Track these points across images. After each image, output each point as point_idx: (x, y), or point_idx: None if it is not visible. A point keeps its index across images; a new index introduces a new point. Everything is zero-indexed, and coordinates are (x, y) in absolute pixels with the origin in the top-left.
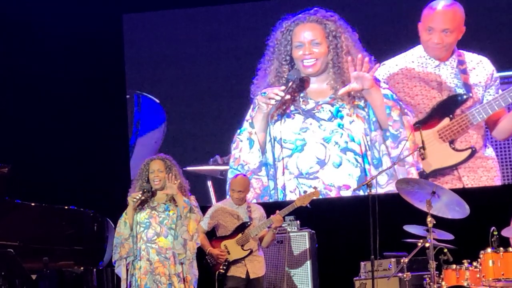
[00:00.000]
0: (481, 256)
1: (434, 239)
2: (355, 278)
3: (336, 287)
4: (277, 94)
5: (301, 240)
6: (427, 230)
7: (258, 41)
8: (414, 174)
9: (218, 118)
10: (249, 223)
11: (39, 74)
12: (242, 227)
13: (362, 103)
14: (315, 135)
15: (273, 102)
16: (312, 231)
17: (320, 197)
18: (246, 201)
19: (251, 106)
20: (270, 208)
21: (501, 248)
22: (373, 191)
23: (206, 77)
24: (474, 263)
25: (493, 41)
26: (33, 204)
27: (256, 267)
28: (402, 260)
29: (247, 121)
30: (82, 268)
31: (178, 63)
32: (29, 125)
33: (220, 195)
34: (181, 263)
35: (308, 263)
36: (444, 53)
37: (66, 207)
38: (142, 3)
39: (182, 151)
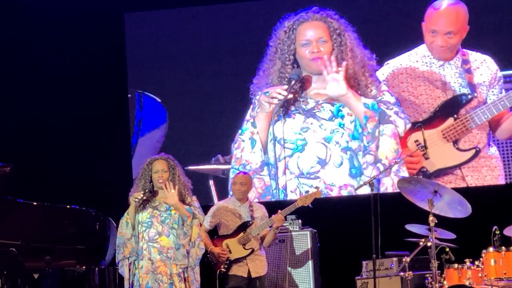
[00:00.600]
0: (483, 255)
1: (436, 238)
2: (357, 277)
3: (338, 286)
4: (280, 94)
5: (302, 240)
6: (429, 229)
7: (260, 40)
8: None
9: (220, 117)
10: (251, 222)
11: (41, 73)
12: (243, 226)
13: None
14: (316, 135)
15: (275, 101)
16: (314, 230)
17: (322, 196)
18: (248, 200)
19: (251, 106)
20: (272, 207)
21: (503, 247)
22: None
23: (208, 76)
24: (476, 262)
25: (496, 40)
26: (35, 203)
27: (258, 266)
28: (404, 259)
29: (247, 121)
30: (84, 267)
31: (180, 62)
32: (31, 124)
33: (222, 194)
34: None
35: (310, 262)
36: (448, 54)
37: (68, 206)
38: (143, 2)
39: (183, 150)
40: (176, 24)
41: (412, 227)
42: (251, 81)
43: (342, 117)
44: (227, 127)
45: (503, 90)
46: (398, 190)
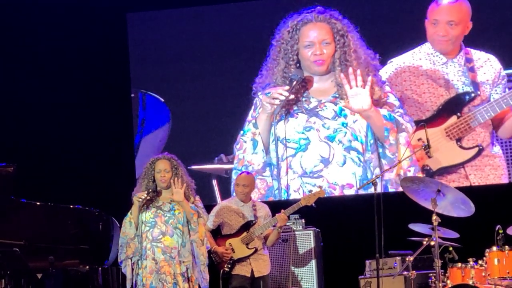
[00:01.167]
0: (486, 254)
1: (439, 237)
2: (360, 277)
3: (341, 286)
4: (281, 94)
5: (306, 239)
6: (432, 229)
7: (263, 39)
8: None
9: (223, 117)
10: (254, 222)
11: (44, 73)
12: (247, 226)
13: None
14: (319, 134)
15: (277, 102)
16: (317, 229)
17: (325, 196)
18: (251, 200)
19: (252, 107)
20: (275, 207)
21: (507, 247)
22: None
23: (211, 76)
24: (480, 262)
25: (500, 39)
26: (38, 203)
27: (261, 266)
28: (407, 259)
29: (249, 121)
30: (87, 267)
31: (183, 62)
32: (34, 124)
33: (225, 194)
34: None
35: (313, 261)
36: (450, 46)
37: (71, 206)
38: (146, 2)
39: (187, 150)
40: (179, 24)
41: (415, 227)
42: (254, 81)
43: (345, 116)
44: (230, 127)
45: (507, 89)
46: (401, 189)
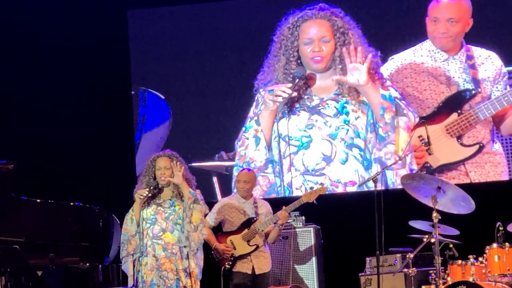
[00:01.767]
0: (486, 251)
1: (439, 234)
2: (360, 274)
3: (342, 283)
4: (284, 92)
5: (306, 236)
6: (433, 226)
7: (264, 36)
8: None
9: (224, 114)
10: (255, 219)
11: (44, 71)
12: (248, 223)
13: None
14: (321, 132)
15: (280, 99)
16: (318, 226)
17: (327, 193)
18: (252, 197)
19: (254, 103)
20: (277, 204)
21: (507, 244)
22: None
23: (212, 73)
24: (480, 259)
25: (501, 36)
26: (38, 200)
27: (262, 263)
28: (407, 256)
29: (251, 118)
30: (87, 264)
31: (183, 59)
32: (34, 121)
33: (226, 191)
34: (187, 258)
35: (314, 258)
36: (451, 44)
37: (71, 204)
38: None
39: (187, 147)
40: (179, 21)
41: (415, 224)
42: (256, 77)
43: (347, 113)
44: (231, 124)
45: (508, 86)
46: (401, 186)
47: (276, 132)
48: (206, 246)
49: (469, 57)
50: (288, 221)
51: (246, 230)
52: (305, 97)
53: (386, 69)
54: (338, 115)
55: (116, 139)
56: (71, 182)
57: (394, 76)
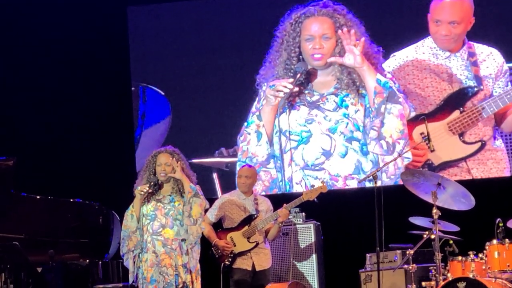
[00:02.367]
0: (486, 247)
1: (439, 230)
2: (360, 270)
3: (342, 279)
4: (285, 87)
5: (306, 232)
6: (433, 222)
7: (265, 32)
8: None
9: (223, 110)
10: (255, 216)
11: (44, 67)
12: (248, 220)
13: (365, 92)
14: (320, 126)
15: (281, 94)
16: (318, 223)
17: (327, 189)
18: (253, 193)
19: (257, 98)
20: (277, 200)
21: (507, 240)
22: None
23: (211, 69)
24: (480, 255)
25: (503, 33)
26: (38, 197)
27: (262, 260)
28: (407, 252)
29: (253, 113)
30: (87, 260)
31: (183, 55)
32: (34, 118)
33: (226, 187)
34: (187, 254)
35: (314, 255)
36: (453, 44)
37: (71, 200)
38: None
39: (187, 144)
40: (180, 17)
41: (415, 220)
42: (257, 72)
43: (346, 107)
44: (231, 120)
45: (509, 83)
46: (402, 183)
47: (277, 127)
48: (206, 242)
49: (471, 54)
50: (289, 217)
51: (246, 227)
52: (306, 92)
53: (388, 66)
54: (338, 109)
55: (116, 135)
56: (71, 178)
57: (396, 73)
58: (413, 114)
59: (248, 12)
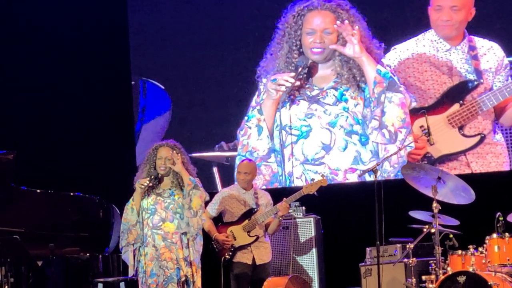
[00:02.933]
0: (486, 241)
1: (439, 224)
2: (360, 264)
3: (342, 273)
4: (287, 81)
5: (306, 226)
6: (433, 216)
7: (265, 26)
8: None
9: (224, 104)
10: (255, 210)
11: (44, 61)
12: (248, 213)
13: (365, 85)
14: (320, 121)
15: (283, 88)
16: (318, 217)
17: (327, 183)
18: (253, 187)
19: (256, 92)
20: (278, 194)
21: (507, 234)
22: (379, 176)
23: (212, 63)
24: (480, 249)
25: (503, 27)
26: (38, 190)
27: (262, 254)
28: (407, 246)
29: (253, 107)
30: (88, 254)
31: (183, 49)
32: (34, 111)
33: (226, 181)
34: (188, 247)
35: (314, 249)
36: (454, 32)
37: (71, 194)
38: None
39: (187, 138)
40: (180, 10)
41: (415, 214)
42: (258, 65)
43: (346, 100)
44: (231, 114)
45: (509, 77)
46: (402, 177)
47: (277, 121)
48: (207, 237)
49: (471, 48)
50: (289, 211)
51: (246, 221)
52: (306, 86)
53: (388, 59)
54: (337, 102)
55: (116, 129)
56: (71, 172)
57: (396, 66)
58: (414, 104)
59: (249, 5)
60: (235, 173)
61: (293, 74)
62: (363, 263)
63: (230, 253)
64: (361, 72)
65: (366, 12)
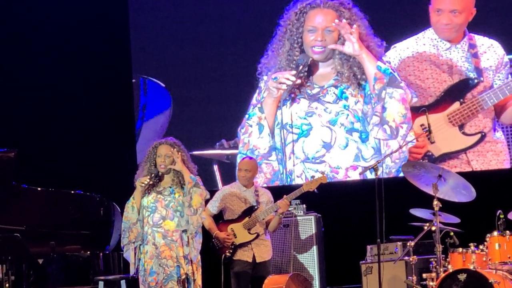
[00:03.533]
0: (487, 239)
1: (440, 222)
2: (361, 262)
3: (342, 271)
4: (288, 79)
5: (307, 224)
6: (434, 214)
7: (266, 23)
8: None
9: (224, 102)
10: (256, 207)
11: (45, 59)
12: (249, 211)
13: (365, 82)
14: (320, 119)
15: (284, 87)
16: (318, 215)
17: (327, 181)
18: (254, 185)
19: (257, 91)
20: (278, 192)
21: (508, 232)
22: (379, 173)
23: (212, 61)
24: (481, 247)
25: (503, 25)
26: (39, 188)
27: (263, 251)
28: (408, 244)
29: (254, 106)
30: (88, 252)
31: (184, 46)
32: (35, 110)
33: (226, 179)
34: (188, 245)
35: (314, 247)
36: (454, 34)
37: (72, 192)
38: None
39: (188, 135)
40: (181, 8)
41: (416, 212)
42: (258, 62)
43: (346, 98)
44: (231, 112)
45: (509, 75)
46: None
47: (278, 120)
48: (207, 234)
49: (472, 46)
50: (289, 209)
51: (247, 219)
52: (306, 84)
53: (389, 57)
54: (338, 100)
55: (116, 127)
56: (72, 171)
57: (396, 64)
58: (415, 99)
59: (250, 2)
60: (236, 170)
61: (294, 72)
62: (363, 261)
63: (231, 251)
64: (361, 70)
65: (366, 10)
